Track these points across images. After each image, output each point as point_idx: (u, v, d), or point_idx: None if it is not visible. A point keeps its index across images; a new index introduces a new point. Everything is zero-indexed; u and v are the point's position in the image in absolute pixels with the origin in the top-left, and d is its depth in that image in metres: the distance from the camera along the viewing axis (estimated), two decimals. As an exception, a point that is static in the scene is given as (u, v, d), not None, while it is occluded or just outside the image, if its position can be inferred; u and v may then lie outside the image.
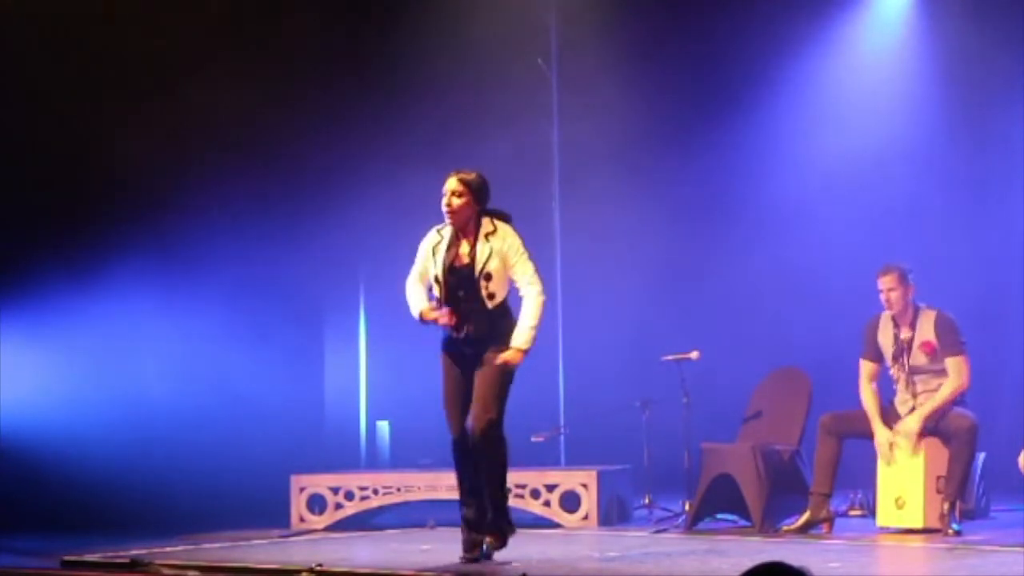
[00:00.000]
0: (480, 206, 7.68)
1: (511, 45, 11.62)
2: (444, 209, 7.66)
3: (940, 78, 11.70)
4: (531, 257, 7.65)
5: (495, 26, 11.42)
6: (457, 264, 7.64)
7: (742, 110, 11.87)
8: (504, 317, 7.65)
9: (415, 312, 7.68)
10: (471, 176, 7.68)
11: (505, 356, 7.55)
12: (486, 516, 7.73)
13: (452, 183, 7.67)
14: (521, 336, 7.57)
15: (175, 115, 10.53)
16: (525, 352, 7.58)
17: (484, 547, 7.76)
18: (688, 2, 12.02)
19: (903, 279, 9.00)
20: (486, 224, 7.66)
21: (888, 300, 9.02)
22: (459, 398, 7.68)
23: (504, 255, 7.60)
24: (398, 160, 10.86)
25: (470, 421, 7.60)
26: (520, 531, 7.93)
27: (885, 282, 9.01)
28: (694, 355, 9.85)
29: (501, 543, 7.77)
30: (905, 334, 9.02)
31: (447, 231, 7.71)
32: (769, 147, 11.90)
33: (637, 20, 11.94)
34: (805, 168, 11.86)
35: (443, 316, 7.59)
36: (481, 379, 7.60)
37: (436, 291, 7.69)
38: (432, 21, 11.32)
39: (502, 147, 10.99)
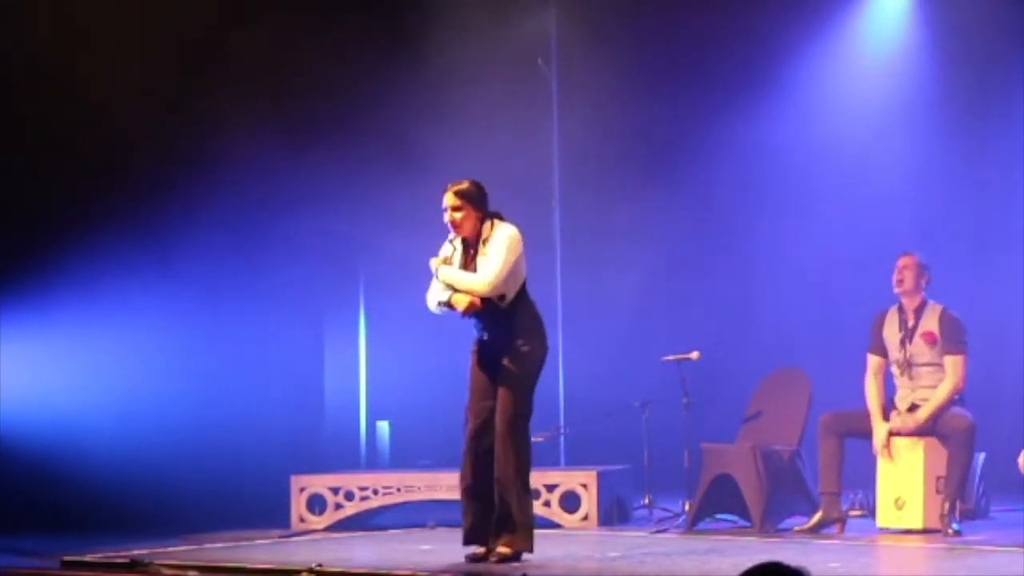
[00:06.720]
0: (481, 212, 7.68)
1: (511, 45, 11.62)
2: (449, 225, 7.68)
3: (941, 75, 11.68)
4: (506, 257, 7.54)
5: (495, 26, 11.42)
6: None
7: (741, 110, 11.85)
8: (513, 316, 7.64)
9: (440, 301, 7.67)
10: (464, 186, 7.68)
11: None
12: (489, 520, 7.67)
13: (449, 199, 7.67)
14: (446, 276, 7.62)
15: (175, 116, 10.55)
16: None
17: (490, 554, 7.66)
18: (688, 1, 12.01)
19: (920, 265, 9.08)
20: (486, 230, 7.66)
21: (901, 279, 9.07)
22: (478, 395, 7.72)
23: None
24: (397, 160, 10.86)
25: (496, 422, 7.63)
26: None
27: (903, 261, 9.11)
28: (694, 355, 9.86)
29: (511, 554, 7.62)
30: (910, 321, 9.05)
31: (459, 241, 7.76)
32: (769, 146, 11.89)
33: (637, 20, 11.94)
34: (806, 168, 11.85)
35: (461, 303, 7.60)
36: (501, 382, 7.64)
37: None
38: (431, 21, 11.31)
39: (502, 147, 10.98)
